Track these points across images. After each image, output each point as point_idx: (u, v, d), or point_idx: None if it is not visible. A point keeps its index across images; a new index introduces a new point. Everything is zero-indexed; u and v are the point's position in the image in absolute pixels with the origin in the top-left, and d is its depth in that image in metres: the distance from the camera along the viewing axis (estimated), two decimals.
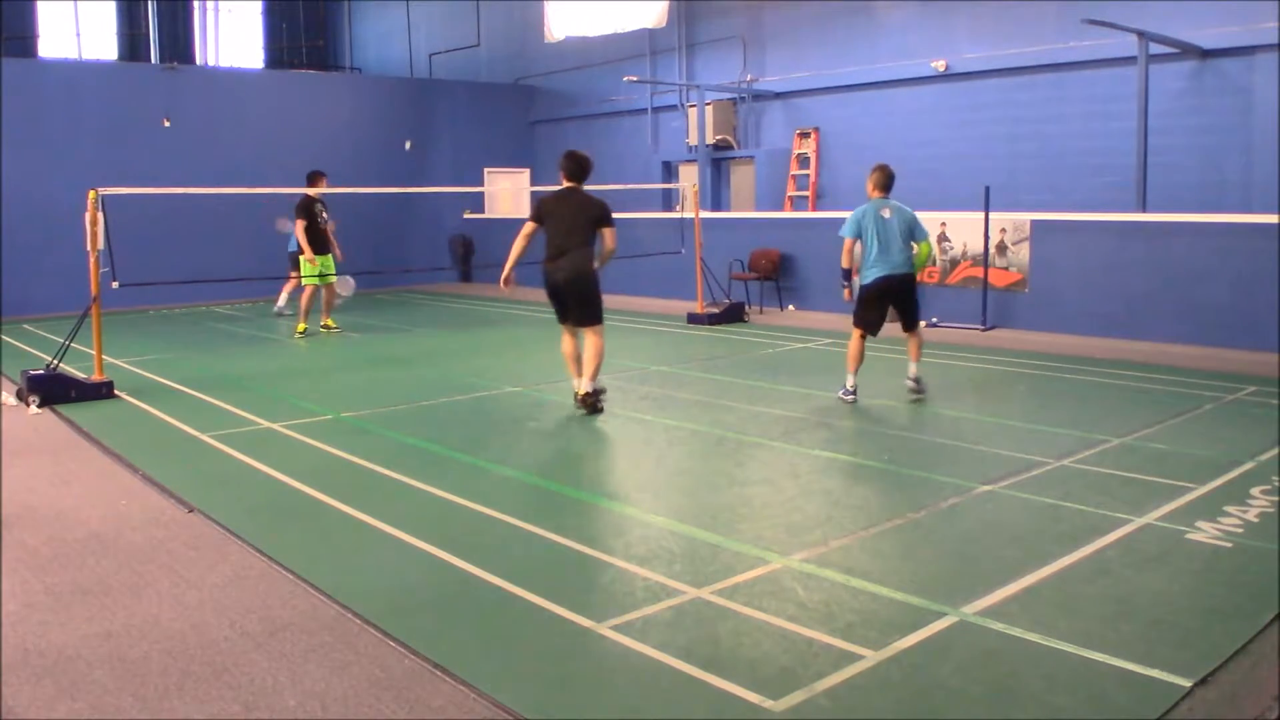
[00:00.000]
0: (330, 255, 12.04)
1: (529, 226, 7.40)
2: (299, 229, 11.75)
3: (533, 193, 21.09)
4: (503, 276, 7.54)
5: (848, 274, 7.84)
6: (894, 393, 8.15)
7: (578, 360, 7.47)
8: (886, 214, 7.67)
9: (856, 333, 7.79)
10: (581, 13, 18.48)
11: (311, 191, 11.84)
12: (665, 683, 3.33)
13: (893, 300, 7.78)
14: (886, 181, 7.80)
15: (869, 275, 7.70)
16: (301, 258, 11.88)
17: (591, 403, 7.37)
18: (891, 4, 15.16)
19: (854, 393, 7.71)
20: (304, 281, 12.06)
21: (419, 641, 3.63)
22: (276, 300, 14.44)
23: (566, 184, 7.42)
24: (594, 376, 7.42)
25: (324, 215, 11.91)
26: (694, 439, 6.97)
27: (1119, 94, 12.43)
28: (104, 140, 16.04)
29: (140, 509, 5.36)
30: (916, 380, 7.78)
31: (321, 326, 12.32)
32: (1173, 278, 10.50)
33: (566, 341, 7.49)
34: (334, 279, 12.17)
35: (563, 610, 3.89)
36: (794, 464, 6.06)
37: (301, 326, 12.12)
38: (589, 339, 7.40)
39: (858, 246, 7.77)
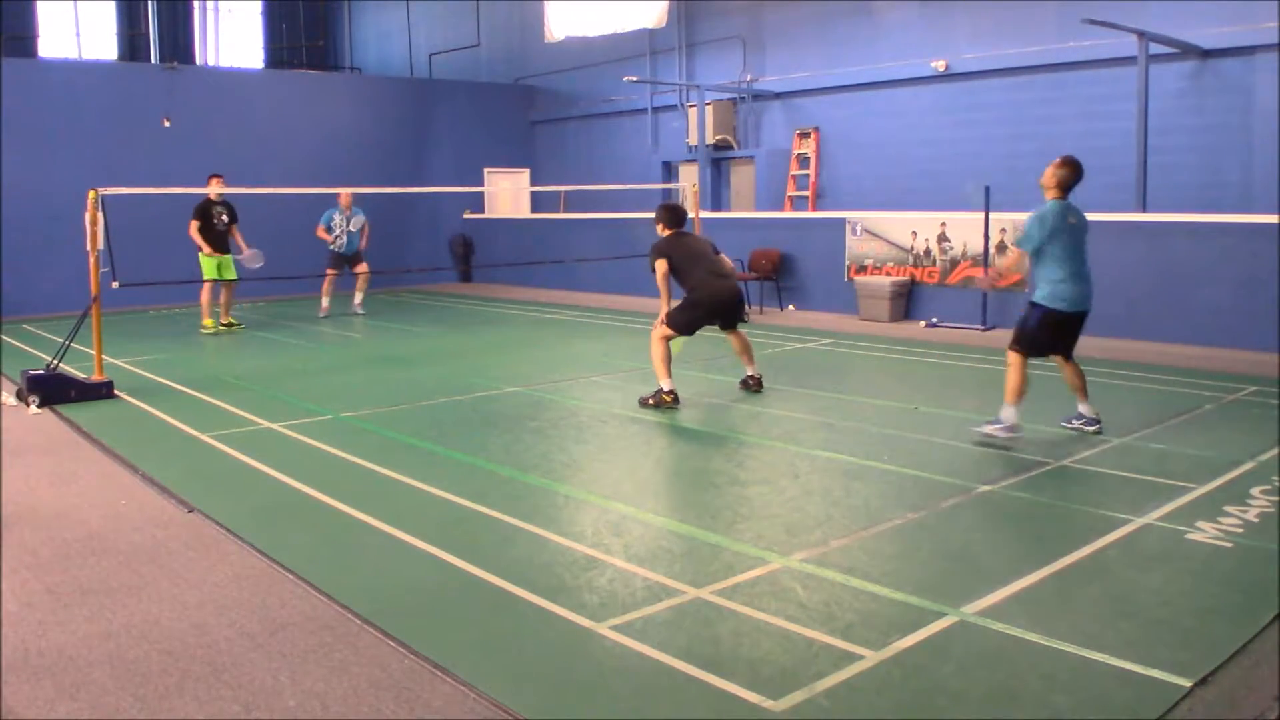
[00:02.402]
0: (230, 255, 12.50)
1: (665, 266, 7.87)
2: (192, 229, 12.27)
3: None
4: (661, 316, 7.88)
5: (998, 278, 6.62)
6: (893, 393, 8.15)
7: (669, 362, 7.79)
8: (1073, 220, 6.34)
9: (1019, 358, 6.34)
10: (581, 13, 18.48)
11: (210, 193, 12.31)
12: (665, 683, 3.33)
13: (1065, 334, 6.47)
14: (1072, 179, 6.42)
15: (1059, 300, 6.31)
16: (200, 255, 12.40)
17: (759, 382, 8.25)
18: (891, 4, 15.16)
19: (1019, 430, 6.29)
20: (205, 278, 12.49)
21: (419, 641, 3.63)
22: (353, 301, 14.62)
23: (672, 230, 8.06)
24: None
25: (223, 217, 12.43)
26: (694, 439, 6.97)
27: (1119, 94, 12.43)
28: (104, 140, 16.03)
29: (140, 509, 5.36)
30: (1097, 419, 6.57)
31: (222, 324, 12.72)
32: (1173, 278, 10.50)
33: (665, 349, 7.78)
34: (233, 277, 12.63)
35: (563, 610, 3.89)
36: (794, 464, 6.06)
37: (208, 323, 12.55)
38: (740, 334, 8.23)
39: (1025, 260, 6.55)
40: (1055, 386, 8.35)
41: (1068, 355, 6.62)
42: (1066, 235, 6.30)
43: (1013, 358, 6.41)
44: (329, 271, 14.01)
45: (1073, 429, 6.62)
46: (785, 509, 5.17)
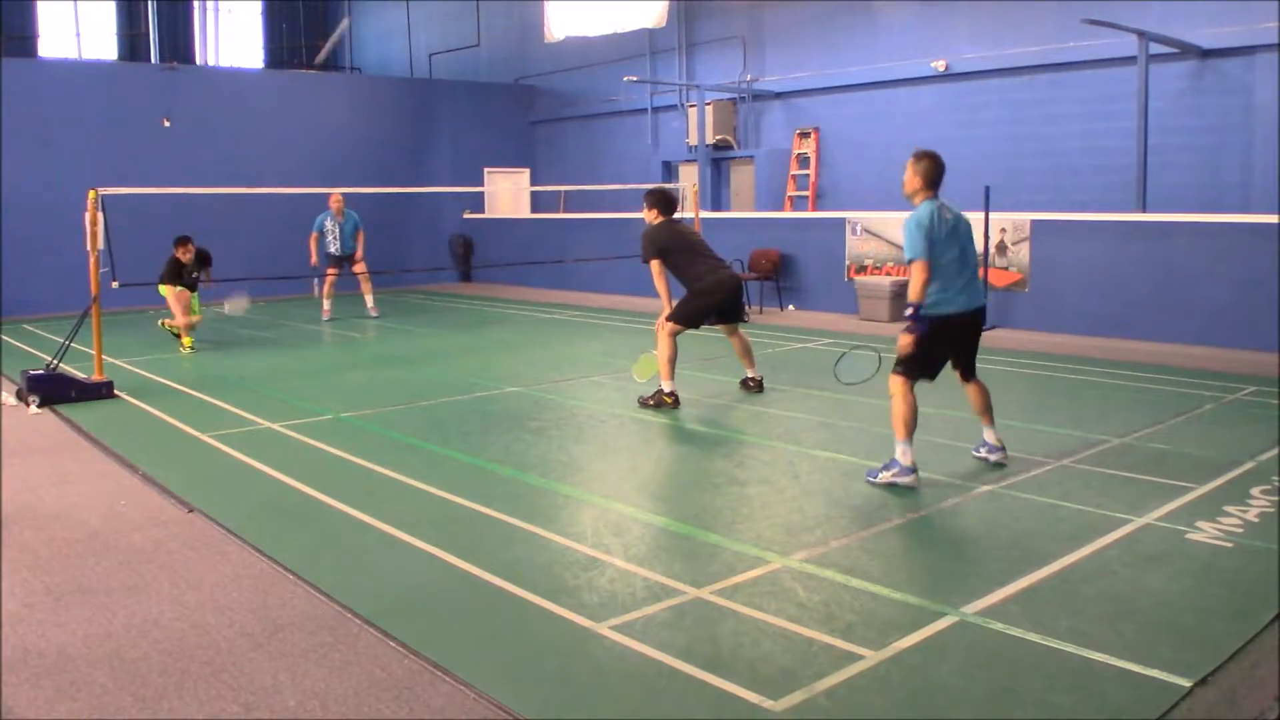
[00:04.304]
0: (195, 293, 11.73)
1: (659, 263, 7.77)
2: (165, 293, 11.42)
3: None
4: (663, 318, 7.79)
5: (918, 311, 5.44)
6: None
7: (674, 363, 7.74)
8: (948, 216, 5.58)
9: (904, 383, 5.55)
10: (581, 13, 18.49)
11: (182, 258, 11.49)
12: (665, 683, 3.33)
13: (962, 341, 5.72)
14: (938, 174, 5.64)
15: (941, 304, 5.53)
16: (167, 292, 11.57)
17: (760, 384, 8.21)
18: (891, 4, 15.16)
19: (914, 470, 5.48)
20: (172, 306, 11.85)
21: (419, 641, 3.63)
22: (366, 305, 14.22)
23: (664, 217, 7.92)
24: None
25: (194, 275, 11.58)
26: (694, 439, 6.97)
27: (1119, 94, 12.44)
28: (104, 140, 16.04)
29: (140, 509, 5.36)
30: (1000, 446, 5.90)
31: (170, 325, 12.00)
32: (1173, 278, 10.50)
33: (674, 347, 7.72)
34: (197, 317, 11.89)
35: (563, 610, 3.89)
36: (794, 464, 6.06)
37: (188, 341, 11.71)
38: (741, 334, 8.18)
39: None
40: (1051, 385, 8.36)
41: (968, 372, 5.87)
42: (947, 236, 5.54)
43: (896, 384, 5.56)
44: (329, 273, 13.79)
45: (979, 457, 5.96)
46: (785, 509, 5.17)
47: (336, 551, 4.67)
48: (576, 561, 4.45)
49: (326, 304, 13.98)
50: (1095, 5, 12.02)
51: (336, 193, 13.80)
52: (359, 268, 14.06)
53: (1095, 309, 11.04)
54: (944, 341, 5.60)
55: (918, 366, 5.57)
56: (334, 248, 13.86)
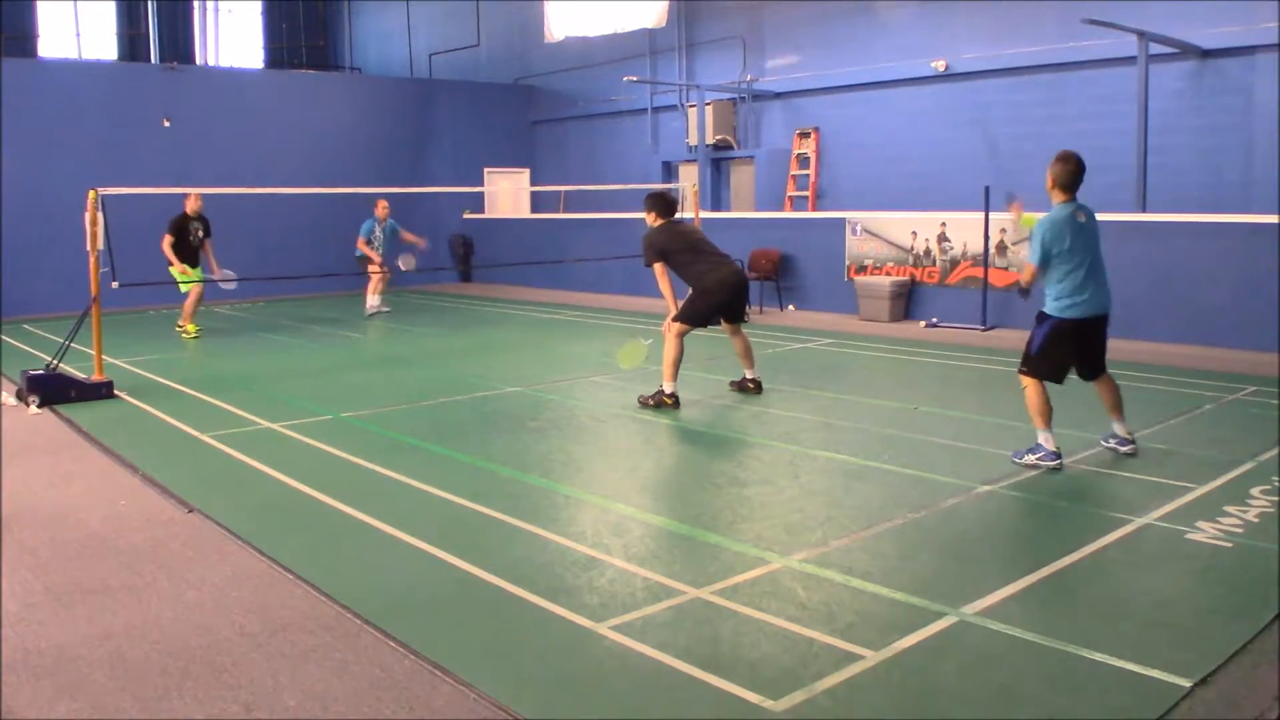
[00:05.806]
0: (200, 269, 12.22)
1: (661, 264, 7.79)
2: (165, 245, 11.96)
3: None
4: (670, 319, 7.79)
5: (1027, 290, 5.96)
6: (893, 393, 8.14)
7: (678, 365, 7.72)
8: (1082, 219, 5.78)
9: (1031, 381, 5.87)
10: (581, 13, 18.49)
11: (187, 208, 12.09)
12: (665, 683, 3.33)
13: (1084, 344, 5.92)
14: (1072, 177, 5.83)
15: (1070, 308, 5.76)
16: (171, 268, 12.06)
17: (759, 385, 8.19)
18: (891, 4, 15.16)
19: (1059, 455, 5.77)
20: (182, 288, 12.26)
21: (419, 641, 3.63)
22: (366, 304, 14.43)
23: (664, 219, 7.95)
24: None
25: (199, 233, 12.15)
26: (694, 439, 6.97)
27: (1119, 94, 12.43)
28: (104, 140, 16.03)
29: (140, 509, 5.35)
30: (1129, 439, 6.02)
31: (180, 326, 12.43)
32: (1173, 278, 10.50)
33: (680, 348, 7.71)
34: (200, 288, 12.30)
35: (563, 610, 3.89)
36: (794, 464, 6.06)
37: (191, 328, 12.29)
38: (743, 335, 8.16)
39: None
40: (1050, 384, 8.34)
41: (1095, 371, 6.03)
42: (1077, 239, 5.73)
43: (1025, 382, 5.90)
44: (373, 272, 14.00)
45: (1108, 447, 6.10)
46: (785, 509, 5.17)
47: (336, 551, 4.67)
48: (576, 561, 4.45)
49: (375, 299, 14.21)
50: (1095, 5, 12.02)
51: (383, 201, 14.12)
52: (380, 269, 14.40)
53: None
54: (1066, 343, 5.84)
55: (1043, 367, 5.85)
56: (378, 256, 14.15)
